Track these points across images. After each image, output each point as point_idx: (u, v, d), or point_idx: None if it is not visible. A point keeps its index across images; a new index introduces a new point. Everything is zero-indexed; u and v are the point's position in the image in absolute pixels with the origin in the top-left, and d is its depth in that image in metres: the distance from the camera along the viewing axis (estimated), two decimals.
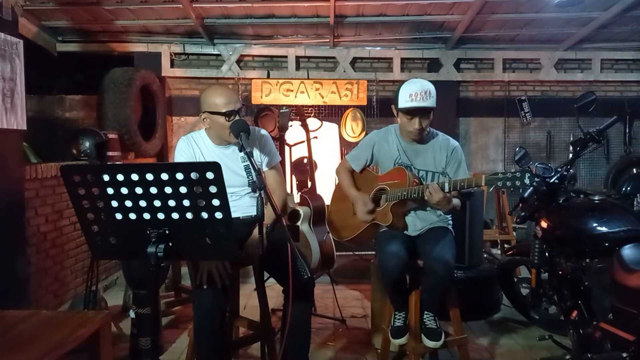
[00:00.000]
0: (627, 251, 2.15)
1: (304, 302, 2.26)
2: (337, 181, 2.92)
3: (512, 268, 3.61)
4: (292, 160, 4.23)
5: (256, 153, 2.45)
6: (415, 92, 2.44)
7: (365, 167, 2.79)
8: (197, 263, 2.21)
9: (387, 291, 2.64)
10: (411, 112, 2.46)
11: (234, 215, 1.75)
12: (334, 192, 2.97)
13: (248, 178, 2.37)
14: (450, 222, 2.67)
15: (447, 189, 2.33)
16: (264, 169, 2.49)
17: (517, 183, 2.12)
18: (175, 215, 1.60)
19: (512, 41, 5.79)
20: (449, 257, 2.38)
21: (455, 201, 2.49)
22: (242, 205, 2.42)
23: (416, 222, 2.61)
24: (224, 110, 2.26)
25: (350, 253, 4.93)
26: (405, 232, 2.61)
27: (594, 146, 2.73)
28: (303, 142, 4.03)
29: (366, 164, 2.77)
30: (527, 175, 2.11)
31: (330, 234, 3.66)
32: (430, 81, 2.50)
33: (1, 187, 2.75)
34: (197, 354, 2.26)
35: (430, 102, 2.44)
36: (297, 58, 5.79)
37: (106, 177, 1.56)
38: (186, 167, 1.57)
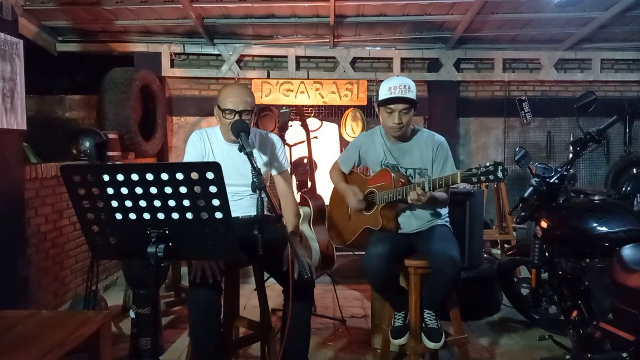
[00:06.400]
0: (627, 251, 2.15)
1: (304, 302, 2.26)
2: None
3: (512, 268, 3.61)
4: (292, 160, 4.23)
5: (266, 157, 2.48)
6: (395, 85, 2.46)
7: (353, 169, 2.80)
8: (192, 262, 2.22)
9: (376, 291, 2.63)
10: (391, 102, 2.46)
11: (233, 214, 1.75)
12: (330, 198, 2.97)
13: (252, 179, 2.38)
14: (448, 219, 2.67)
15: (427, 189, 2.32)
16: (274, 173, 2.54)
17: (491, 177, 2.13)
18: (175, 215, 1.60)
19: (512, 41, 5.78)
20: (456, 255, 2.38)
21: (440, 194, 2.49)
22: (243, 205, 2.42)
23: (411, 221, 2.59)
24: (223, 107, 2.31)
25: (350, 253, 4.92)
26: (399, 231, 2.59)
27: (594, 146, 2.73)
28: (303, 142, 4.03)
29: (354, 166, 2.79)
30: (500, 168, 2.12)
31: None
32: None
33: (1, 187, 2.75)
34: (192, 352, 2.26)
35: (410, 95, 2.45)
36: (297, 58, 5.78)
37: (106, 177, 1.56)
38: (186, 167, 1.57)
